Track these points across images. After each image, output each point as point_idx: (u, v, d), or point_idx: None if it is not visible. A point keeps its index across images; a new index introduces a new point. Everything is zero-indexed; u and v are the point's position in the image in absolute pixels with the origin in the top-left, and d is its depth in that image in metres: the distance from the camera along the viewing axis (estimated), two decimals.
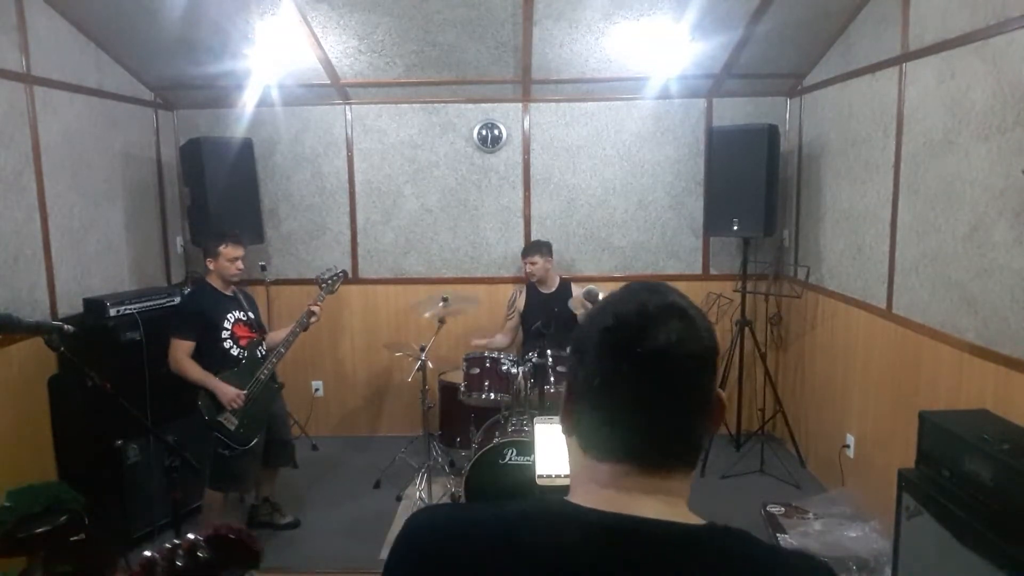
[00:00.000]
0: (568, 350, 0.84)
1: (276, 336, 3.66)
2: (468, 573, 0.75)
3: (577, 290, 4.41)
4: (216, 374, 3.34)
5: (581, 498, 0.78)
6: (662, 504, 0.76)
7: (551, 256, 4.46)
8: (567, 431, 0.83)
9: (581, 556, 0.72)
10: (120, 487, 3.48)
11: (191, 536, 1.01)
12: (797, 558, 0.78)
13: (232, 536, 1.02)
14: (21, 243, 3.45)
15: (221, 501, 3.47)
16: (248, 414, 3.36)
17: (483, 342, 4.35)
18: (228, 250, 3.45)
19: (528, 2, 3.80)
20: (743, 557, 0.73)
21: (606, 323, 0.78)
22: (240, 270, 3.49)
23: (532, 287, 4.54)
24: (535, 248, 4.44)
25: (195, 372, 3.32)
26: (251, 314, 3.58)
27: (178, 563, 0.99)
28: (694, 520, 0.76)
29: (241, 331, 3.50)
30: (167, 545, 1.00)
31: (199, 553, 0.99)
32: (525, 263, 4.46)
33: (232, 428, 3.32)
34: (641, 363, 0.75)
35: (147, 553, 1.00)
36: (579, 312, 4.28)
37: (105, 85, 4.17)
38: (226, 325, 3.44)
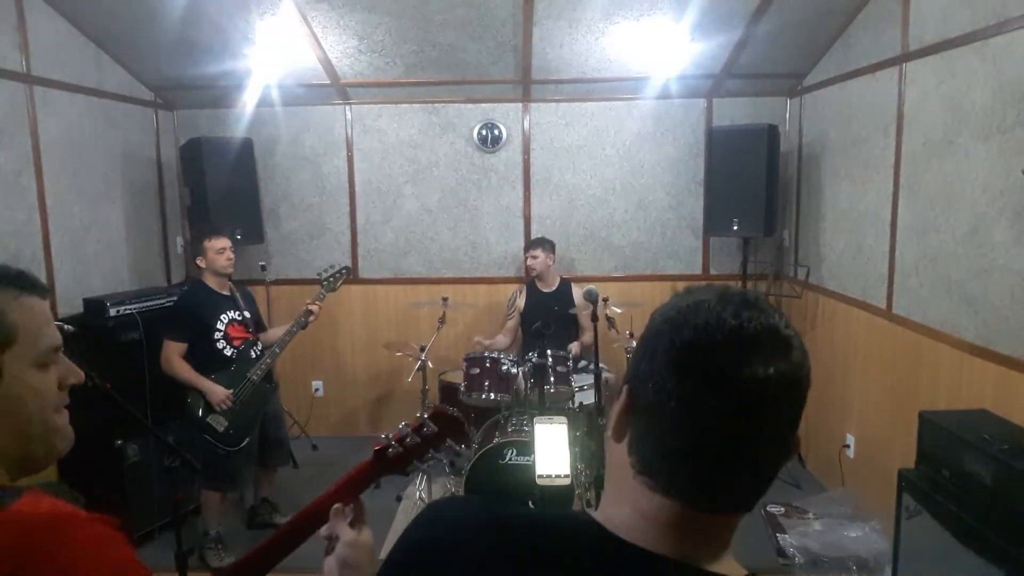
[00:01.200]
0: (634, 346, 0.79)
1: (273, 334, 3.65)
2: None
3: (578, 291, 4.41)
4: (208, 375, 3.32)
5: (617, 523, 0.71)
6: (711, 552, 0.69)
7: (553, 253, 4.50)
8: (617, 438, 0.73)
9: None
10: (120, 487, 3.47)
11: (418, 415, 1.11)
12: None
13: (451, 413, 1.12)
14: (21, 243, 3.45)
15: (218, 501, 3.47)
16: (238, 415, 3.34)
17: (487, 342, 4.35)
18: (212, 243, 3.43)
19: (528, 2, 3.80)
20: None
21: (692, 338, 0.66)
22: (230, 260, 3.47)
23: (532, 286, 4.55)
24: (538, 243, 4.50)
25: (185, 373, 3.31)
26: (247, 313, 3.55)
27: (408, 441, 1.09)
28: (735, 570, 0.70)
29: (235, 331, 3.48)
30: (399, 427, 1.11)
31: (425, 428, 1.09)
32: (527, 256, 4.53)
33: (221, 429, 3.30)
34: (731, 395, 0.64)
35: (381, 436, 1.11)
36: (582, 313, 4.29)
37: (105, 85, 4.17)
38: (219, 326, 3.42)
